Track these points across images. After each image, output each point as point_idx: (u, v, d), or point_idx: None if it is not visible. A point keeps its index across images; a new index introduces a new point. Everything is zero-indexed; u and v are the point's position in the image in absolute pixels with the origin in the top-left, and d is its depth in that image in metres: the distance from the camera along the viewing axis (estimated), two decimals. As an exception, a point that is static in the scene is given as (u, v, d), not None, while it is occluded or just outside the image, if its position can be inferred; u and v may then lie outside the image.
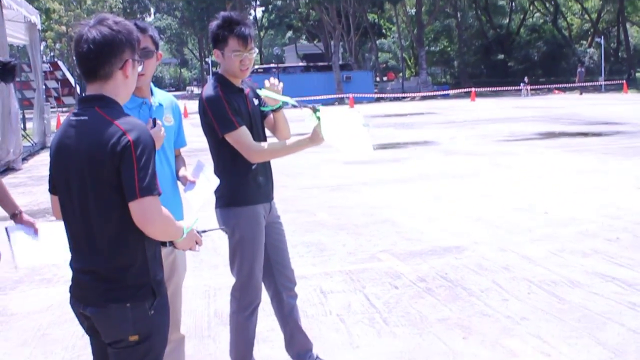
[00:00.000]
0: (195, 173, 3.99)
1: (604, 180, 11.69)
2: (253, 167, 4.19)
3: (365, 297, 6.19)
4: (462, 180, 12.40)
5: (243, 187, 4.19)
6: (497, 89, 51.80)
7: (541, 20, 71.27)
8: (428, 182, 12.37)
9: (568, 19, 70.42)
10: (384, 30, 78.49)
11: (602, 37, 58.30)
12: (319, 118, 4.02)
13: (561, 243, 7.67)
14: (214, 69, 61.41)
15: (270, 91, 4.20)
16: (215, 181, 3.95)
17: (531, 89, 50.83)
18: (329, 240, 8.33)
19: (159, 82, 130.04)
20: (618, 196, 10.18)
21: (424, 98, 51.69)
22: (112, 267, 2.88)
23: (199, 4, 62.00)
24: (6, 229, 3.97)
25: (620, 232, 8.02)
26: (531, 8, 71.56)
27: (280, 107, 4.31)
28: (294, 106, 4.23)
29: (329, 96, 48.53)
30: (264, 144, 4.19)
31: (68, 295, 3.05)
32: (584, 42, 67.38)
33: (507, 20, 71.56)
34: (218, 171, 4.15)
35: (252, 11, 79.82)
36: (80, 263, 2.96)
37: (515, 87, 51.72)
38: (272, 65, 62.67)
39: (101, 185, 2.83)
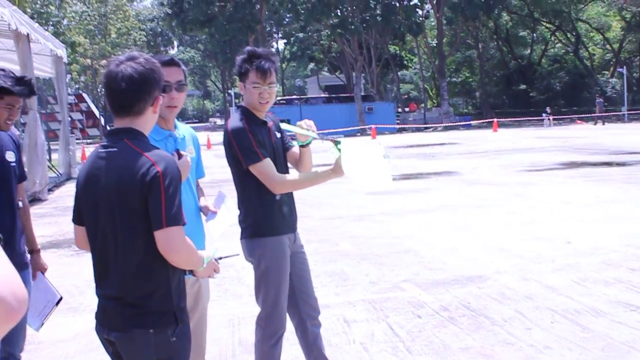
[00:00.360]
0: (217, 204, 4.08)
1: (627, 209, 11.66)
2: (277, 198, 4.26)
3: (389, 326, 6.22)
4: (484, 210, 12.41)
5: (268, 218, 4.26)
6: (519, 119, 51.80)
7: (563, 51, 71.29)
8: (450, 212, 12.39)
9: (590, 49, 70.39)
10: (405, 62, 78.83)
11: (625, 67, 58.17)
12: (340, 150, 4.10)
13: (584, 272, 7.67)
14: (237, 101, 61.85)
15: (293, 126, 4.30)
16: (236, 212, 4.02)
17: (553, 119, 50.74)
18: (352, 270, 8.37)
19: (182, 113, 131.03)
20: (641, 226, 10.15)
21: (446, 128, 51.76)
22: (137, 293, 2.98)
23: (221, 37, 62.47)
24: None
25: (644, 262, 8.00)
26: (552, 39, 71.64)
27: (309, 143, 4.39)
28: (315, 139, 4.32)
29: (351, 127, 48.73)
30: (287, 176, 4.26)
31: (94, 323, 3.14)
32: (606, 72, 67.28)
33: (529, 50, 71.68)
34: (243, 202, 4.23)
35: (274, 43, 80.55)
36: (106, 290, 3.05)
37: (538, 118, 51.70)
38: (294, 96, 63.09)
39: (129, 215, 2.93)
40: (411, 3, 57.68)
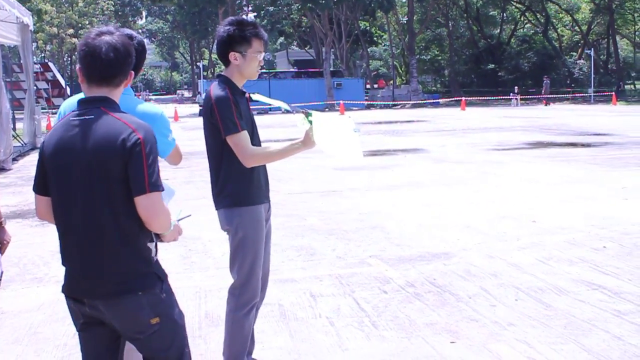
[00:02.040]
0: None
1: (592, 190, 11.79)
2: (255, 168, 4.28)
3: (355, 301, 6.25)
4: (451, 187, 12.49)
5: (247, 188, 4.26)
6: (487, 98, 52.12)
7: (532, 31, 71.56)
8: (418, 189, 12.45)
9: (559, 30, 70.78)
10: (375, 38, 78.68)
11: (592, 49, 58.63)
12: (311, 122, 4.09)
13: (548, 251, 7.76)
14: (205, 74, 61.42)
15: (265, 97, 4.34)
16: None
17: (521, 99, 51.07)
18: (319, 245, 8.39)
19: (149, 85, 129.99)
20: (605, 206, 10.27)
21: (414, 106, 51.88)
22: (119, 259, 3.01)
23: (190, 8, 61.90)
24: None
25: (607, 242, 8.11)
26: (522, 19, 71.91)
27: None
28: (287, 111, 4.31)
29: (320, 102, 48.66)
30: (258, 149, 4.25)
31: (59, 294, 3.12)
32: (574, 53, 67.72)
33: (498, 30, 71.87)
34: (220, 172, 4.24)
35: (244, 16, 79.90)
36: (85, 258, 3.04)
37: (505, 97, 52.02)
38: (264, 70, 62.69)
39: (108, 180, 2.96)
40: (382, -21, 57.46)
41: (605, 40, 66.85)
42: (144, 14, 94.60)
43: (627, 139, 21.05)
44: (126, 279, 3.02)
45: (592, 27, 66.50)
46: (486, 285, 6.60)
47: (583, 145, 20.01)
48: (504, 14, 70.92)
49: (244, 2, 75.64)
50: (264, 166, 4.43)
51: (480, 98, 52.57)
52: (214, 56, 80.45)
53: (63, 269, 3.12)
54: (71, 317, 3.21)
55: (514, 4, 69.54)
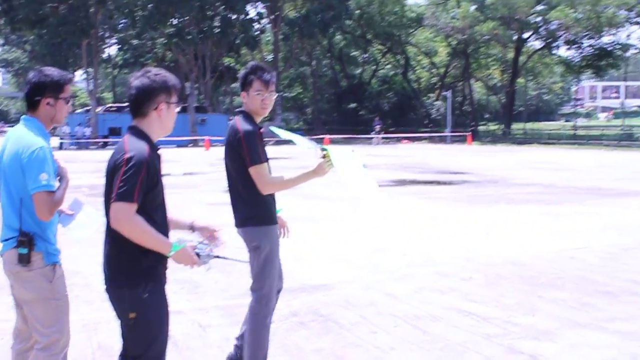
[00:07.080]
0: (73, 208, 4.35)
1: (455, 225, 12.49)
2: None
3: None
4: (320, 223, 12.87)
5: (270, 210, 4.87)
6: (349, 136, 53.39)
7: (392, 72, 73.96)
8: (289, 224, 12.67)
9: (417, 72, 73.43)
10: (239, 74, 79.05)
11: (450, 91, 61.18)
12: (325, 150, 4.62)
13: (421, 282, 8.24)
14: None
15: (280, 129, 4.98)
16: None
17: (382, 138, 52.56)
18: (200, 278, 8.51)
19: (4, 116, 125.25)
20: (468, 240, 10.94)
21: (277, 143, 52.39)
22: (112, 256, 3.73)
23: (52, 38, 60.38)
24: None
25: (473, 273, 8.69)
26: (383, 60, 74.19)
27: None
28: (299, 144, 4.85)
29: (184, 138, 48.48)
30: (275, 177, 4.78)
31: None
32: (432, 94, 70.43)
33: (360, 70, 73.85)
34: (249, 196, 4.76)
35: (106, 49, 78.62)
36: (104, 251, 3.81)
37: (367, 136, 53.44)
38: (126, 104, 61.75)
39: (109, 190, 3.65)
40: (248, 17, 58.14)
41: (461, 83, 69.90)
42: (0, 42, 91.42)
43: (483, 178, 22.25)
44: (115, 275, 3.72)
45: (449, 70, 69.35)
46: (366, 313, 6.97)
47: (444, 183, 20.98)
48: (366, 55, 73.01)
49: (107, 35, 74.54)
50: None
51: (343, 136, 53.73)
52: (75, 89, 78.86)
53: None
54: None
55: (375, 45, 71.70)
